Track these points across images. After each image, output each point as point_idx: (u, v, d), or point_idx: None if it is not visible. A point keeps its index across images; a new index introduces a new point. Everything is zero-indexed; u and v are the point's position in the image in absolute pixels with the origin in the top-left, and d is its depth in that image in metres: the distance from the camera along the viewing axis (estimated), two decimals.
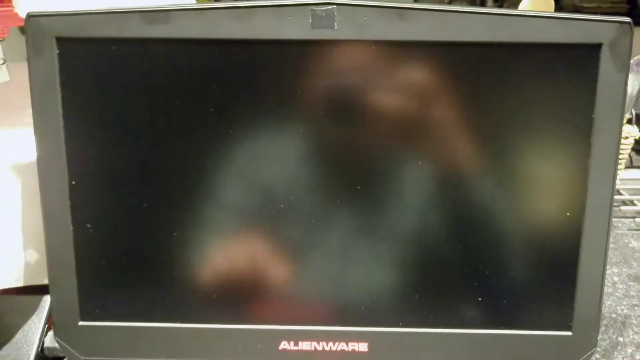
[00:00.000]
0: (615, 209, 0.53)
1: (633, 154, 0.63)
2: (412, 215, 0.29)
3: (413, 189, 0.28)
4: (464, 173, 0.28)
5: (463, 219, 0.29)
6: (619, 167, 0.52)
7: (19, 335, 0.32)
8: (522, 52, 0.27)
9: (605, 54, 0.26)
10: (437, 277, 0.29)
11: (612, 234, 0.50)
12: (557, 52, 0.26)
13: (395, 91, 0.27)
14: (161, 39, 0.27)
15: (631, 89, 0.51)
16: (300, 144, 0.28)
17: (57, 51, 0.27)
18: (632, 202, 0.55)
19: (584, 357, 0.29)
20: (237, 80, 0.27)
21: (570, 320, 0.29)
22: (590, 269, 0.29)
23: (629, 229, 0.51)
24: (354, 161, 0.28)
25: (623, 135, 0.48)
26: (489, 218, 0.29)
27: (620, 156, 0.50)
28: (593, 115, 0.27)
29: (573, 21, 0.26)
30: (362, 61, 0.27)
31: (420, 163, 0.28)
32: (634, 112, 0.50)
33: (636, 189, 0.57)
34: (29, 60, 0.27)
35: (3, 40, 0.34)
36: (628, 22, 0.26)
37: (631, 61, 0.49)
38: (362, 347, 0.30)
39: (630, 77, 0.50)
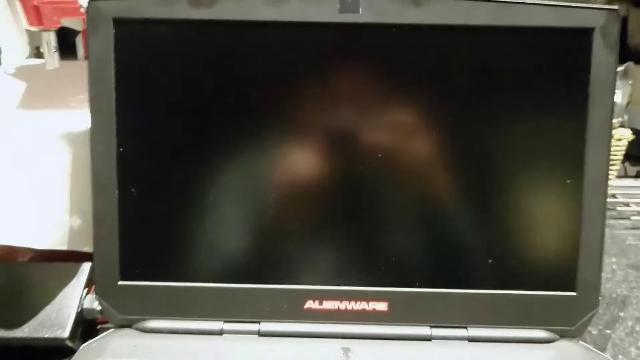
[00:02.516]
0: (612, 211, 0.56)
1: (627, 165, 0.67)
2: (426, 190, 0.32)
3: (430, 167, 0.31)
4: (480, 140, 0.31)
5: (475, 190, 0.32)
6: (613, 173, 0.55)
7: (59, 298, 0.34)
8: (526, 35, 0.30)
9: (597, 37, 0.30)
10: (450, 242, 0.32)
11: (611, 232, 0.52)
12: (557, 35, 0.30)
13: (408, 67, 0.31)
14: (205, 21, 0.30)
15: (621, 98, 0.55)
16: (331, 111, 0.31)
17: (114, 30, 0.31)
18: (627, 204, 0.58)
19: (588, 316, 0.32)
20: (271, 57, 0.31)
21: (575, 281, 0.31)
22: (591, 235, 0.31)
23: (625, 228, 0.54)
24: (380, 134, 0.31)
25: (617, 137, 0.52)
26: (501, 190, 0.31)
27: (615, 159, 0.53)
28: (588, 90, 0.30)
29: (571, 9, 0.30)
30: (382, 41, 0.31)
31: (445, 139, 0.31)
32: (626, 117, 0.53)
33: (630, 194, 0.60)
34: (89, 39, 0.30)
35: (55, 30, 0.37)
36: (616, 10, 0.30)
37: (619, 69, 0.53)
38: (382, 306, 0.32)
39: (620, 85, 0.54)
